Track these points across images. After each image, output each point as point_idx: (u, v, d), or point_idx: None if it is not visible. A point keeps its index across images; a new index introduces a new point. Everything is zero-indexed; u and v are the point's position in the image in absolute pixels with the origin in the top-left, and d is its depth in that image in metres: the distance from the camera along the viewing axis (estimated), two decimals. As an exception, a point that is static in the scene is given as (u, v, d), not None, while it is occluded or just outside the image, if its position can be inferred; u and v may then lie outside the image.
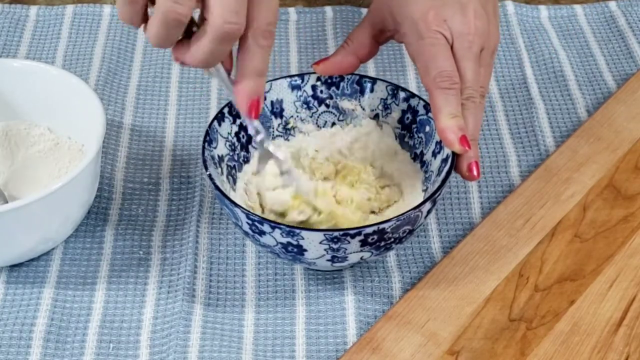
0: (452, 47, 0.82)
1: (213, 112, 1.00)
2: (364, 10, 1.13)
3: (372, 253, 0.79)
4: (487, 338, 0.78)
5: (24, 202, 0.77)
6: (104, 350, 0.79)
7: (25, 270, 0.85)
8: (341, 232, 0.76)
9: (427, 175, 0.85)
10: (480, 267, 0.84)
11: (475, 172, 0.80)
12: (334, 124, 0.90)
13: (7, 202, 0.85)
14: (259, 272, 0.85)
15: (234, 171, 0.86)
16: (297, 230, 0.76)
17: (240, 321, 0.81)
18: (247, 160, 0.88)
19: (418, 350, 0.77)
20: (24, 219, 0.79)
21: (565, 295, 0.81)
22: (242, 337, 0.80)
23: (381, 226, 0.76)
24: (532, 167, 0.94)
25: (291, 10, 1.13)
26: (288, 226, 0.76)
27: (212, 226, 0.88)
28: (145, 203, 0.91)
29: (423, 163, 0.86)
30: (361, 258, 0.79)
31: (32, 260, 0.85)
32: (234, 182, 0.86)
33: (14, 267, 0.85)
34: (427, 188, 0.84)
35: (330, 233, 0.76)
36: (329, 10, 1.13)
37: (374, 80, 0.89)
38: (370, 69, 1.05)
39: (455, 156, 0.80)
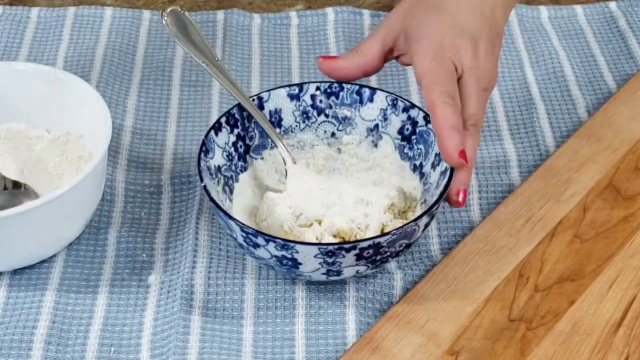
0: (460, 79, 0.83)
1: (214, 116, 1.00)
2: (365, 12, 1.13)
3: (368, 267, 0.79)
4: (487, 338, 0.78)
5: (25, 207, 0.78)
6: (104, 354, 0.79)
7: (28, 272, 0.85)
8: (336, 246, 0.75)
9: (425, 187, 0.85)
10: (480, 267, 0.84)
11: (461, 198, 0.81)
12: (333, 133, 0.90)
13: (38, 196, 0.85)
14: (259, 272, 0.85)
15: (230, 181, 0.86)
16: (291, 244, 0.76)
17: (240, 321, 0.81)
18: (244, 170, 0.88)
19: (418, 350, 0.77)
20: (30, 223, 0.79)
21: (565, 296, 0.81)
22: (242, 338, 0.80)
23: (377, 240, 0.76)
24: (532, 168, 0.94)
25: (292, 14, 1.13)
26: (282, 239, 0.76)
27: (212, 226, 0.88)
28: (148, 206, 0.91)
29: (422, 175, 0.86)
30: (357, 272, 0.79)
31: (35, 263, 0.85)
32: (231, 192, 0.86)
33: (16, 270, 0.85)
34: (425, 200, 0.84)
35: (325, 247, 0.76)
36: (330, 11, 1.13)
37: (373, 90, 0.89)
38: (371, 77, 1.05)
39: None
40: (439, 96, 0.81)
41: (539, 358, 0.77)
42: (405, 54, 0.87)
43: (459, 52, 0.83)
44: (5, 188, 0.85)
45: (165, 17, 0.89)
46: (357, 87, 0.89)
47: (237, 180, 0.87)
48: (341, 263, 0.77)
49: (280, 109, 0.89)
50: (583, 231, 0.87)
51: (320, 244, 0.76)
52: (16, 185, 0.85)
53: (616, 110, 0.99)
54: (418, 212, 0.84)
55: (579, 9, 1.14)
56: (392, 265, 0.85)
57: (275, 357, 0.79)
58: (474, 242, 0.86)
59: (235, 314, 0.82)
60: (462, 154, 0.79)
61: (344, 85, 0.89)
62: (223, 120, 0.86)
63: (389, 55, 0.88)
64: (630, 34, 1.10)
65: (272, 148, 0.89)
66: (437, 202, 0.78)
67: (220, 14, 1.13)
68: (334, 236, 0.81)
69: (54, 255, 0.86)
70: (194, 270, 0.84)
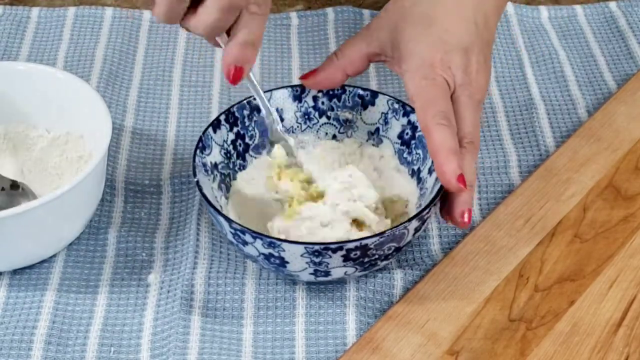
0: (453, 95, 0.82)
1: (214, 115, 1.00)
2: (365, 12, 1.13)
3: (357, 269, 0.78)
4: (487, 338, 0.78)
5: (25, 207, 0.78)
6: (104, 354, 0.79)
7: (28, 272, 0.85)
8: (322, 246, 0.75)
9: (421, 192, 0.85)
10: (480, 267, 0.84)
11: (466, 219, 0.80)
12: (334, 136, 0.90)
13: (35, 197, 0.85)
14: (259, 273, 0.85)
15: (227, 179, 0.86)
16: (278, 242, 0.76)
17: (240, 321, 0.81)
18: (243, 168, 0.88)
19: (418, 350, 0.77)
20: (30, 224, 0.79)
21: (565, 296, 0.81)
22: (242, 338, 0.80)
23: (364, 242, 0.76)
24: (532, 168, 0.94)
25: (293, 14, 1.13)
26: (269, 237, 0.76)
27: (213, 227, 0.88)
28: (148, 206, 0.91)
29: (419, 180, 0.86)
30: (345, 273, 0.79)
31: (35, 263, 0.85)
32: (227, 190, 0.86)
33: (16, 270, 0.85)
34: (420, 205, 0.84)
35: (311, 246, 0.75)
36: (330, 12, 1.13)
37: (375, 94, 0.89)
38: (372, 80, 1.05)
39: (449, 200, 0.80)
40: (433, 118, 0.80)
41: (539, 358, 0.77)
42: (392, 62, 0.86)
43: (450, 68, 0.82)
44: (2, 189, 0.85)
45: None
46: (359, 91, 0.89)
47: (234, 179, 0.87)
48: (328, 263, 0.77)
49: (282, 110, 0.89)
50: (583, 231, 0.87)
51: (306, 243, 0.76)
52: (14, 186, 0.85)
53: (616, 110, 0.99)
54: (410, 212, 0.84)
55: (579, 9, 1.14)
56: (392, 264, 0.85)
57: (275, 357, 0.79)
58: (474, 242, 0.86)
59: (235, 314, 0.82)
60: (461, 178, 0.78)
61: (346, 87, 0.89)
62: (222, 117, 0.86)
63: (374, 58, 0.87)
64: (630, 34, 1.10)
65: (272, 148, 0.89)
66: (427, 206, 0.78)
67: (220, 15, 1.13)
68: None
69: (54, 255, 0.86)
70: (195, 270, 0.84)
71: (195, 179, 0.80)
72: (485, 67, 0.85)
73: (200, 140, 0.84)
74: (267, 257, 0.78)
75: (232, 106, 0.87)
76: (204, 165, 0.83)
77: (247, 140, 0.88)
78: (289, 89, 0.89)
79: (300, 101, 0.89)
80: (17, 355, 0.78)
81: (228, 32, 0.80)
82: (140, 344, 0.80)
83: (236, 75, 0.79)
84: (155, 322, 0.81)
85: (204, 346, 0.79)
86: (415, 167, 0.86)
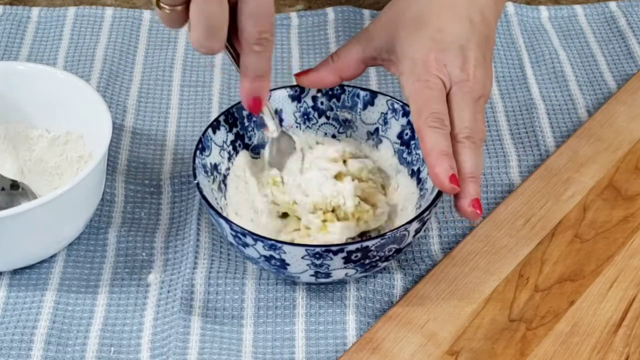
0: (449, 93, 0.82)
1: (214, 116, 1.00)
2: (366, 12, 1.13)
3: (357, 270, 0.78)
4: (487, 338, 0.78)
5: (25, 207, 0.77)
6: (104, 354, 0.79)
7: (28, 272, 0.85)
8: (323, 249, 0.75)
9: (421, 193, 0.85)
10: (480, 267, 0.84)
11: (478, 210, 0.78)
12: (334, 135, 0.90)
13: (35, 197, 0.85)
14: (259, 273, 0.85)
15: (227, 179, 0.86)
16: (279, 244, 0.76)
17: (240, 321, 0.81)
18: None
19: (418, 350, 0.77)
20: (30, 223, 0.79)
21: (565, 296, 0.81)
22: (242, 338, 0.80)
23: (365, 244, 0.76)
24: (532, 168, 0.94)
25: (293, 15, 1.13)
26: (270, 239, 0.76)
27: (213, 227, 0.88)
28: (148, 206, 0.91)
29: (419, 180, 0.86)
30: (346, 275, 0.79)
31: (35, 263, 0.85)
32: (227, 190, 0.86)
33: (16, 270, 0.85)
34: (420, 205, 0.83)
35: (312, 248, 0.75)
36: (330, 11, 1.13)
37: (374, 94, 0.88)
38: (372, 80, 1.05)
39: (455, 195, 0.79)
40: (425, 120, 0.79)
41: (539, 358, 0.77)
42: (389, 64, 0.86)
43: (446, 66, 0.82)
44: (2, 189, 0.85)
45: None
46: (358, 91, 0.89)
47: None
48: (329, 265, 0.77)
49: (281, 110, 0.89)
50: (583, 231, 0.87)
51: (307, 245, 0.76)
52: (14, 186, 0.85)
53: (616, 110, 0.99)
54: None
55: (579, 9, 1.14)
56: (392, 264, 0.85)
57: (275, 357, 0.79)
58: (474, 242, 0.86)
59: (235, 314, 0.82)
60: (453, 178, 0.77)
61: (345, 88, 0.89)
62: (222, 118, 0.86)
63: (369, 62, 0.87)
64: (630, 34, 1.10)
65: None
66: (428, 208, 0.78)
67: (220, 15, 1.13)
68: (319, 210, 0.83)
69: (54, 255, 0.86)
70: (195, 270, 0.84)
71: (196, 181, 0.80)
72: (485, 63, 0.84)
73: (200, 141, 0.84)
74: (268, 259, 0.77)
75: (232, 107, 0.87)
76: (204, 166, 0.83)
77: (246, 140, 0.88)
78: (288, 89, 0.89)
79: (299, 101, 0.89)
80: (17, 355, 0.78)
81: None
82: (140, 344, 0.80)
83: (255, 105, 0.82)
84: (155, 322, 0.81)
85: (204, 346, 0.79)
86: (415, 168, 0.86)
